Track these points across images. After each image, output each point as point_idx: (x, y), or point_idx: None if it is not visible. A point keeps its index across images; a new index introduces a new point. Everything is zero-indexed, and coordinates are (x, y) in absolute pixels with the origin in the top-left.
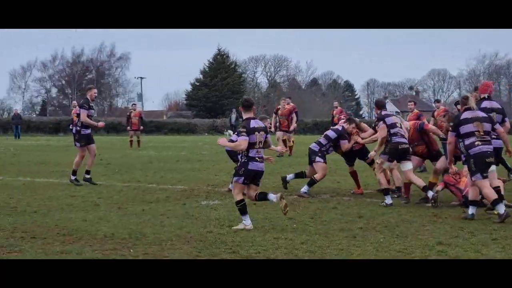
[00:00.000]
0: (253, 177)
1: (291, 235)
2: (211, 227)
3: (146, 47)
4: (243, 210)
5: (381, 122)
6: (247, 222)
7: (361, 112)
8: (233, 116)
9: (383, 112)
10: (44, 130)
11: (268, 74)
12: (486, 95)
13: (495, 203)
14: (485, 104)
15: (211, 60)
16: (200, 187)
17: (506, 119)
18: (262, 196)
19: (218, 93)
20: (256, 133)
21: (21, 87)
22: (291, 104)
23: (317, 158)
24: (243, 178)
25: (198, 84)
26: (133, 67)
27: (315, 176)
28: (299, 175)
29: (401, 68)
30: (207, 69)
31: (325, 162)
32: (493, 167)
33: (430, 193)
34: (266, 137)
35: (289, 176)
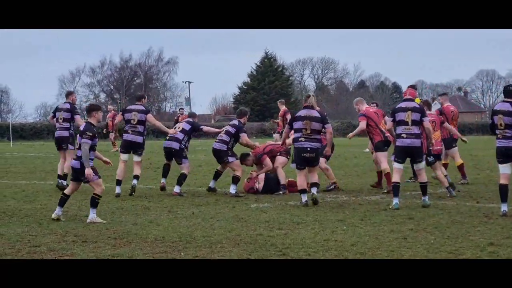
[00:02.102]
0: None
1: (341, 237)
2: (261, 229)
3: (193, 51)
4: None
5: (121, 113)
6: (58, 211)
7: None
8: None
9: (128, 107)
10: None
11: (316, 76)
12: (407, 97)
13: (301, 191)
14: (400, 104)
15: (258, 63)
16: None
17: (424, 118)
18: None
19: (266, 96)
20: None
21: None
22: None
23: (230, 158)
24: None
25: (246, 87)
26: (181, 71)
27: (236, 174)
28: (216, 176)
29: (449, 69)
30: (254, 73)
31: (236, 158)
32: (420, 165)
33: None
34: None
35: (212, 183)
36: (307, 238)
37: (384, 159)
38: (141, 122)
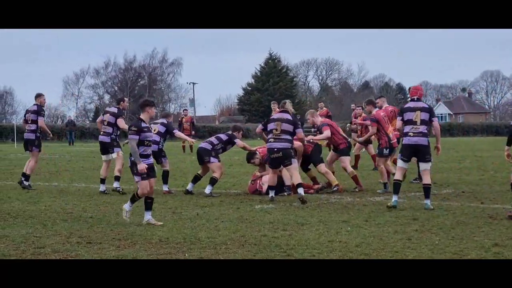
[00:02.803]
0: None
1: (345, 238)
2: (265, 230)
3: (197, 52)
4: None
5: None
6: (147, 216)
7: None
8: None
9: (106, 108)
10: (97, 136)
11: (320, 77)
12: (415, 97)
13: (270, 188)
14: (408, 104)
15: (262, 64)
16: None
17: (434, 118)
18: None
19: (270, 97)
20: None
21: (74, 93)
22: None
23: (212, 159)
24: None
25: (250, 88)
26: (185, 72)
27: (214, 175)
28: (195, 180)
29: (454, 70)
30: (258, 74)
31: (219, 161)
32: (426, 165)
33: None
34: None
35: (189, 186)
36: (312, 239)
37: (347, 163)
38: (111, 124)
